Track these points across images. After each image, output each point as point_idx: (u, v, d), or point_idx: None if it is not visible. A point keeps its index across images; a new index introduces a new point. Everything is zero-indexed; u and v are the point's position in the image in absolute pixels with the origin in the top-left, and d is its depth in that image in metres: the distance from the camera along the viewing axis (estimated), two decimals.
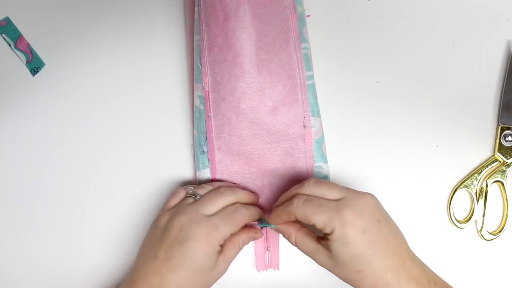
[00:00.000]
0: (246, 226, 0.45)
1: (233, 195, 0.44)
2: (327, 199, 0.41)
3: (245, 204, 0.45)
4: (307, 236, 0.43)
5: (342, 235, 0.39)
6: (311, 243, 0.42)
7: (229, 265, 0.43)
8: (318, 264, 0.42)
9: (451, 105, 0.51)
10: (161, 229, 0.42)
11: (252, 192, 0.48)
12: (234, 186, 0.48)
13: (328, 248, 0.40)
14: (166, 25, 0.52)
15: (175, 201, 0.45)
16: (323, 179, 0.49)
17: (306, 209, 0.40)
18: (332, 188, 0.41)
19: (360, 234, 0.39)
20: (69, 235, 0.50)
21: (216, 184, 0.47)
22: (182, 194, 0.45)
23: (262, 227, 0.47)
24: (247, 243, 0.45)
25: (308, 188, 0.42)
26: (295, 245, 0.44)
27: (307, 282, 0.50)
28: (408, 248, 0.41)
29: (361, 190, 0.42)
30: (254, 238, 0.46)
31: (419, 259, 0.42)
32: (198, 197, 0.44)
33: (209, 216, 0.42)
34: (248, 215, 0.44)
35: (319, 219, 0.39)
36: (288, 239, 0.44)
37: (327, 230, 0.39)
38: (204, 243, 0.40)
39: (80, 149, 0.51)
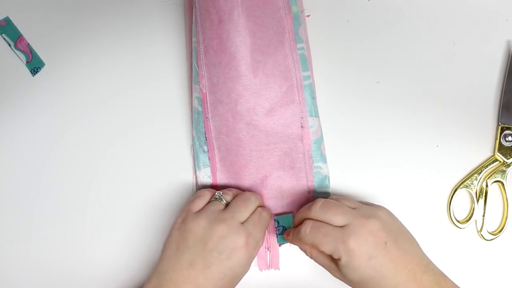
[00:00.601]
0: None
1: (257, 200, 0.45)
2: (332, 226, 0.41)
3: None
4: (321, 253, 0.43)
5: (349, 263, 0.40)
6: (324, 260, 0.43)
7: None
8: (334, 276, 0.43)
9: (451, 105, 0.51)
10: (196, 236, 0.42)
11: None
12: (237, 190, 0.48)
13: (339, 268, 0.41)
14: (167, 25, 0.52)
15: (200, 204, 0.44)
16: (323, 179, 0.49)
17: (314, 237, 0.41)
18: (338, 214, 0.41)
19: (366, 261, 0.40)
20: (69, 235, 0.50)
21: (234, 190, 0.47)
22: (207, 197, 0.45)
23: (280, 244, 0.49)
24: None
25: (315, 213, 0.42)
26: (311, 258, 0.45)
27: (307, 282, 0.50)
28: (421, 259, 0.42)
29: (370, 203, 0.44)
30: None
31: (433, 267, 0.42)
32: (224, 201, 0.44)
33: (243, 223, 0.43)
34: (269, 216, 0.46)
35: (326, 248, 0.41)
36: (305, 253, 0.45)
37: (335, 257, 0.41)
38: (243, 252, 0.41)
39: (80, 149, 0.51)
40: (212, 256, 0.41)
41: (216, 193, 0.45)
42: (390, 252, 0.40)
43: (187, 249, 0.41)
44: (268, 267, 0.49)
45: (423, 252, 0.43)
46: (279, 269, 0.49)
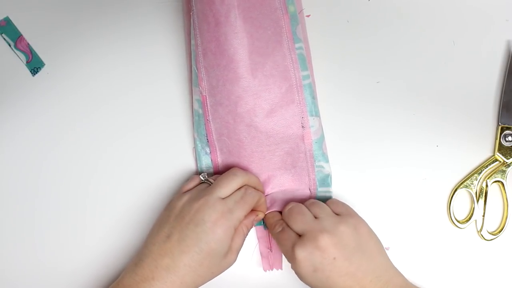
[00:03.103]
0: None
1: (245, 176, 0.46)
2: (293, 233, 0.43)
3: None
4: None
5: (296, 270, 0.43)
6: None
7: (237, 256, 0.44)
8: None
9: (451, 105, 0.51)
10: (176, 212, 0.43)
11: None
12: None
13: None
14: (167, 25, 0.52)
15: (190, 186, 0.46)
16: (325, 178, 0.49)
17: (277, 238, 0.45)
18: (298, 222, 0.44)
19: (311, 272, 0.42)
20: (70, 235, 0.50)
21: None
22: (196, 180, 0.47)
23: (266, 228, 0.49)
24: (251, 228, 0.46)
25: (284, 215, 0.46)
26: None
27: None
28: (378, 275, 0.42)
29: (345, 212, 0.45)
30: (257, 220, 0.47)
31: (396, 281, 0.43)
32: (210, 183, 0.45)
33: (224, 199, 0.43)
34: (257, 195, 0.46)
35: (282, 250, 0.45)
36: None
37: (287, 260, 0.44)
38: (219, 226, 0.42)
39: (80, 150, 0.51)
40: (188, 229, 0.41)
41: (201, 175, 0.46)
42: (338, 268, 0.41)
43: (167, 224, 0.43)
44: (271, 267, 0.49)
45: (387, 267, 0.43)
46: (281, 269, 0.49)
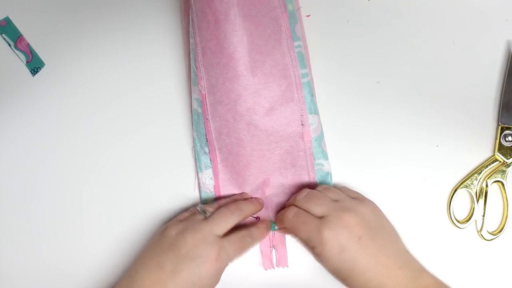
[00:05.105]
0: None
1: (242, 214, 0.46)
2: (312, 216, 0.43)
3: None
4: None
5: (321, 253, 0.41)
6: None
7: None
8: None
9: (451, 105, 0.51)
10: (170, 241, 0.43)
11: (256, 199, 0.49)
12: (239, 197, 0.49)
13: (314, 257, 0.43)
14: (167, 25, 0.52)
15: (185, 215, 0.46)
16: (325, 176, 0.49)
17: (294, 222, 0.44)
18: (318, 204, 0.43)
19: (337, 253, 0.41)
20: (70, 235, 0.50)
21: (223, 202, 0.47)
22: (193, 210, 0.46)
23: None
24: None
25: (299, 201, 0.45)
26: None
27: (307, 282, 0.49)
28: (399, 256, 0.42)
29: (360, 196, 0.44)
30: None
31: (413, 264, 0.42)
32: (208, 214, 0.45)
33: (220, 238, 0.43)
34: (253, 242, 0.46)
35: (302, 235, 0.43)
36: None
37: (310, 246, 0.42)
38: (213, 264, 0.42)
39: (80, 150, 0.51)
40: (183, 263, 0.41)
41: (198, 206, 0.46)
42: (364, 247, 0.41)
43: (161, 252, 0.42)
44: (276, 265, 0.49)
45: (404, 250, 0.43)
46: (288, 267, 0.49)
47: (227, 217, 0.44)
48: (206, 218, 0.44)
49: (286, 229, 0.46)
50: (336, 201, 0.44)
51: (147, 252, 0.44)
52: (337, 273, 0.42)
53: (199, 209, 0.46)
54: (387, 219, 0.45)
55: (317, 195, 0.44)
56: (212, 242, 0.42)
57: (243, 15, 0.46)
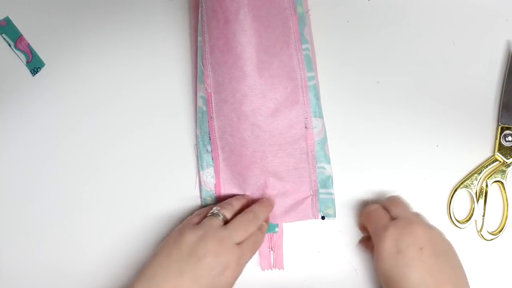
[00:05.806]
0: None
1: (259, 222, 0.46)
2: (388, 215, 0.44)
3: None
4: (369, 242, 0.47)
5: (378, 250, 0.42)
6: (370, 250, 0.47)
7: None
8: None
9: (451, 105, 0.51)
10: (190, 248, 0.42)
11: (267, 200, 0.48)
12: (245, 198, 0.48)
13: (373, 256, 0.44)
14: (170, 23, 0.52)
15: (198, 218, 0.45)
16: (326, 179, 0.49)
17: (369, 215, 0.45)
18: (399, 208, 0.45)
19: (393, 254, 0.41)
20: (70, 235, 0.50)
21: (235, 203, 0.47)
22: (204, 212, 0.46)
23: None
24: None
25: (384, 201, 0.47)
26: (362, 245, 0.49)
27: (307, 282, 0.49)
28: (455, 285, 0.41)
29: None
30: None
31: None
32: (221, 217, 0.44)
33: (239, 244, 0.43)
34: (262, 238, 0.47)
35: (370, 227, 0.44)
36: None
37: (373, 240, 0.44)
38: (234, 272, 0.42)
39: (81, 149, 0.51)
40: (203, 270, 0.41)
41: (213, 208, 0.45)
42: (422, 259, 0.40)
43: (179, 258, 0.41)
44: (272, 267, 0.49)
45: (463, 283, 0.42)
46: (283, 269, 0.49)
47: (246, 226, 0.44)
48: (222, 223, 0.44)
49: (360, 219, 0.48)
50: (416, 214, 0.44)
51: (162, 256, 0.42)
52: (387, 278, 0.41)
53: (214, 211, 0.45)
54: (457, 254, 0.43)
55: (401, 200, 0.46)
56: (232, 251, 0.42)
57: (253, 15, 0.46)
